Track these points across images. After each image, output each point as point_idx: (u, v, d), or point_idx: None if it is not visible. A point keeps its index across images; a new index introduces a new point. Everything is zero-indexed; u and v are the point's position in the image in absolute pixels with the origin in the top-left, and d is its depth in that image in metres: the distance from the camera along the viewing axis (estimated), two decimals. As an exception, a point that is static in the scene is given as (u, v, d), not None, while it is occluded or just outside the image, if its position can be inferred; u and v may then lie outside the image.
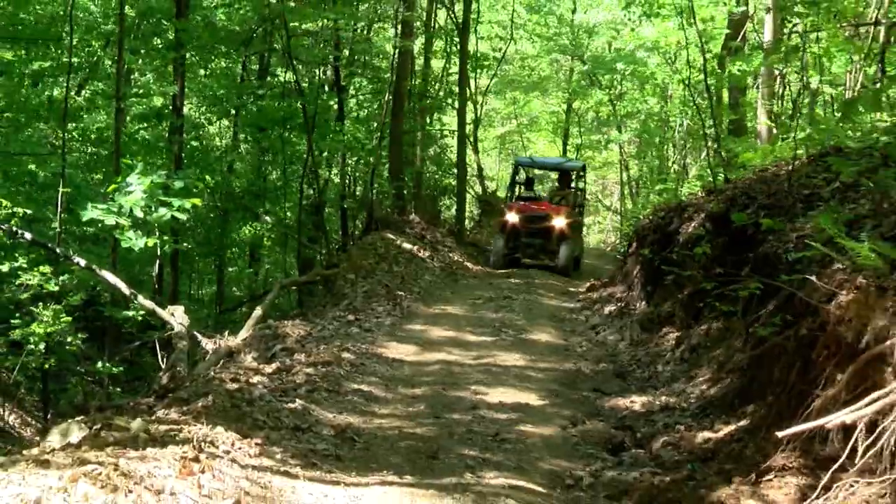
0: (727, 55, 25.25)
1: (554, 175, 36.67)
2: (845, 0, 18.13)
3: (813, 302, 9.46)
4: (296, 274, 26.66)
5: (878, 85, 12.65)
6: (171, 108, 24.63)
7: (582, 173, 32.22)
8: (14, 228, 17.22)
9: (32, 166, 19.72)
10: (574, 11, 38.39)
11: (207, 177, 22.76)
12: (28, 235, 17.55)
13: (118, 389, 17.92)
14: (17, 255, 17.26)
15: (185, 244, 23.26)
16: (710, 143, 25.18)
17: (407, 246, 25.58)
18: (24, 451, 9.20)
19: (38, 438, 13.28)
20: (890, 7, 13.84)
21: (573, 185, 30.47)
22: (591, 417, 12.21)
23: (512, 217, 25.89)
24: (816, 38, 20.33)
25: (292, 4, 24.95)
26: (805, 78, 22.65)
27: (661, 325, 16.45)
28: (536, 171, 35.08)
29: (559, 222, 25.70)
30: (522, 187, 30.84)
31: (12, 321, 17.05)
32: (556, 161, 34.51)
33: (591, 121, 41.09)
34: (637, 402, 13.03)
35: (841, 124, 13.32)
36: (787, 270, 10.38)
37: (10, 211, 16.91)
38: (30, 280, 16.84)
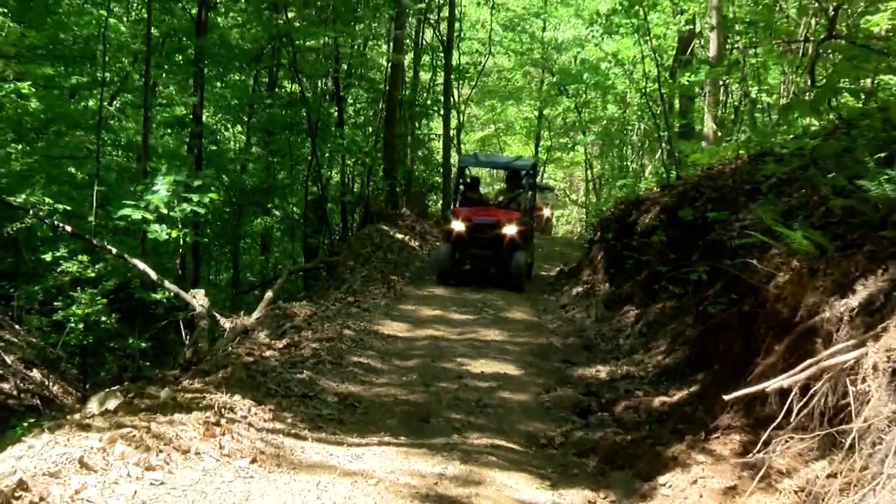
0: (678, 67, 25.32)
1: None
2: (778, 20, 18.21)
3: (753, 283, 9.57)
4: (302, 261, 26.60)
5: (807, 94, 12.69)
6: (191, 116, 24.61)
7: (532, 172, 25.69)
8: (56, 223, 17.28)
9: (71, 169, 19.68)
10: (544, 29, 38.36)
11: (223, 176, 22.76)
12: (68, 228, 17.59)
13: (147, 363, 17.92)
14: (59, 245, 17.34)
15: (204, 236, 23.22)
16: (663, 145, 25.36)
17: (399, 236, 25.59)
18: (68, 417, 9.26)
19: (78, 406, 13.30)
20: (816, 26, 13.90)
21: (524, 185, 24.13)
22: (562, 385, 12.31)
23: (458, 225, 20.46)
24: (754, 53, 20.51)
25: (297, 24, 24.92)
26: (745, 88, 22.73)
27: (622, 304, 16.53)
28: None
29: (510, 230, 20.25)
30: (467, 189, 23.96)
31: (55, 303, 17.14)
32: (504, 159, 28.63)
33: (560, 126, 41.06)
34: (602, 371, 13.13)
35: (776, 128, 13.42)
36: (731, 255, 10.46)
37: (52, 207, 16.98)
38: (70, 267, 16.91)
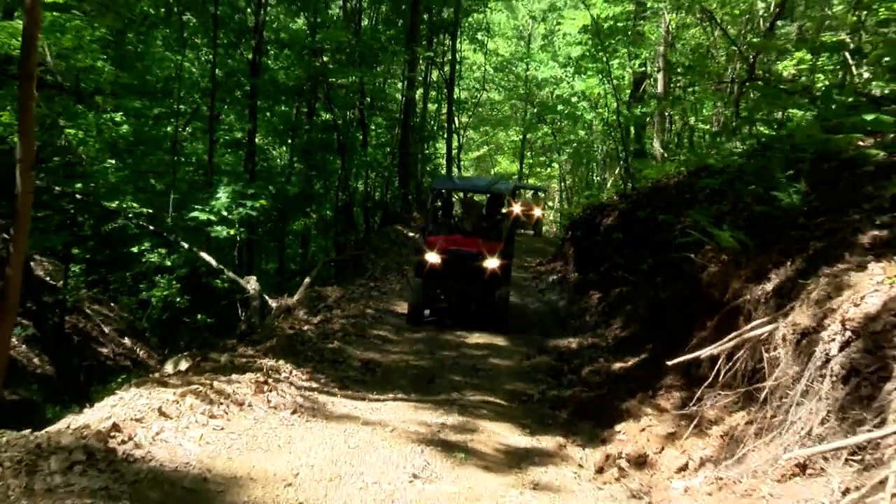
0: (632, 101, 25.27)
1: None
2: (710, 65, 18.23)
3: (691, 272, 9.57)
4: (333, 254, 26.60)
5: (733, 123, 12.71)
6: (246, 139, 24.66)
7: (513, 196, 18.11)
8: (141, 223, 17.35)
9: (153, 181, 19.73)
10: (527, 70, 38.27)
11: (271, 186, 22.72)
12: (150, 227, 17.66)
13: (211, 334, 17.95)
14: (143, 241, 17.40)
15: (256, 234, 23.26)
16: (621, 163, 25.42)
17: (411, 235, 25.52)
18: (150, 376, 9.28)
19: (158, 367, 13.33)
20: (740, 70, 13.93)
21: (504, 213, 16.61)
22: (540, 353, 12.30)
23: (433, 257, 14.23)
24: (692, 91, 20.47)
25: (331, 66, 24.92)
26: (685, 118, 22.75)
27: (588, 289, 16.46)
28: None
29: (493, 263, 14.11)
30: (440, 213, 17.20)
31: (141, 286, 17.22)
32: (483, 183, 20.02)
33: (539, 147, 40.98)
34: (572, 342, 13.11)
35: (710, 150, 13.42)
36: (674, 250, 10.40)
37: (138, 211, 17.03)
38: (151, 258, 16.99)
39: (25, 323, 14.27)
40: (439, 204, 17.09)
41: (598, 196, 27.64)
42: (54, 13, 12.13)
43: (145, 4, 20.84)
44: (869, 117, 8.50)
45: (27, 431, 5.76)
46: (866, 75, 13.49)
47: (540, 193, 36.11)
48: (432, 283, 14.44)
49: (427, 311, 14.95)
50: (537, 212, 32.59)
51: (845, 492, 4.47)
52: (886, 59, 12.11)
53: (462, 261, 14.32)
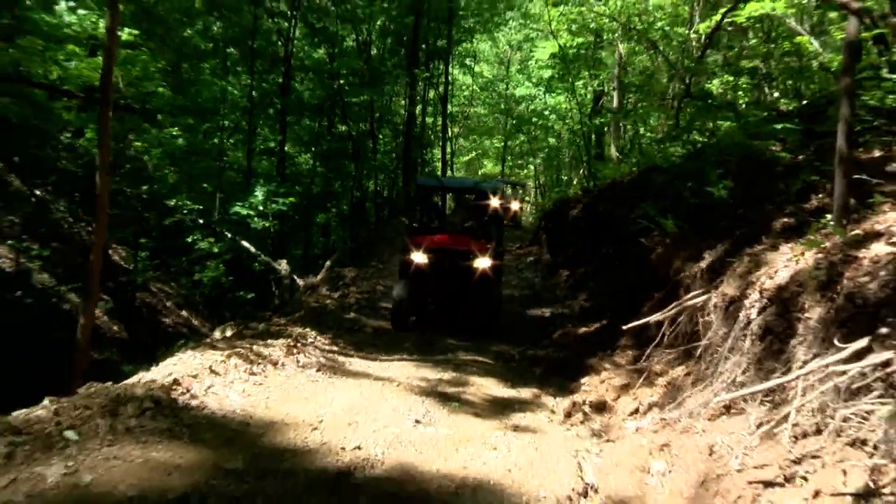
0: (593, 114, 25.30)
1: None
2: (655, 84, 18.31)
3: (642, 254, 9.63)
4: (349, 242, 26.58)
5: (674, 132, 12.75)
6: (278, 148, 24.68)
7: (499, 196, 13.11)
8: (194, 217, 17.40)
9: (203, 183, 19.72)
10: (507, 88, 38.08)
11: (298, 187, 22.69)
12: (201, 221, 17.71)
13: (251, 307, 17.98)
14: (196, 232, 17.44)
15: (286, 225, 23.26)
16: (584, 164, 25.38)
17: (414, 226, 25.41)
18: (203, 341, 9.32)
19: (209, 334, 13.35)
20: (679, 89, 14.04)
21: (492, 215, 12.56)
22: (520, 321, 12.32)
23: (419, 257, 11.29)
24: (641, 105, 20.51)
25: (346, 88, 24.90)
26: (636, 127, 22.77)
27: (558, 269, 16.50)
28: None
29: (484, 263, 11.11)
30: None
31: (195, 269, 17.26)
32: (471, 182, 16.79)
33: (518, 151, 40.79)
34: (546, 311, 13.13)
35: (656, 154, 13.47)
36: (628, 236, 10.46)
37: (192, 207, 17.09)
38: (202, 246, 17.00)
39: (106, 298, 14.30)
40: (424, 202, 13.81)
41: (566, 192, 27.57)
42: (127, 50, 12.18)
43: (197, 41, 20.82)
44: (779, 127, 8.68)
45: (109, 384, 5.87)
46: (776, 94, 14.00)
47: (520, 189, 35.92)
48: (418, 285, 11.39)
49: (412, 318, 11.86)
50: (515, 205, 32.06)
51: (759, 425, 4.55)
52: (789, 81, 13.21)
53: (451, 260, 11.31)
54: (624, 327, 7.73)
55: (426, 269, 11.28)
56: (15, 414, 4.84)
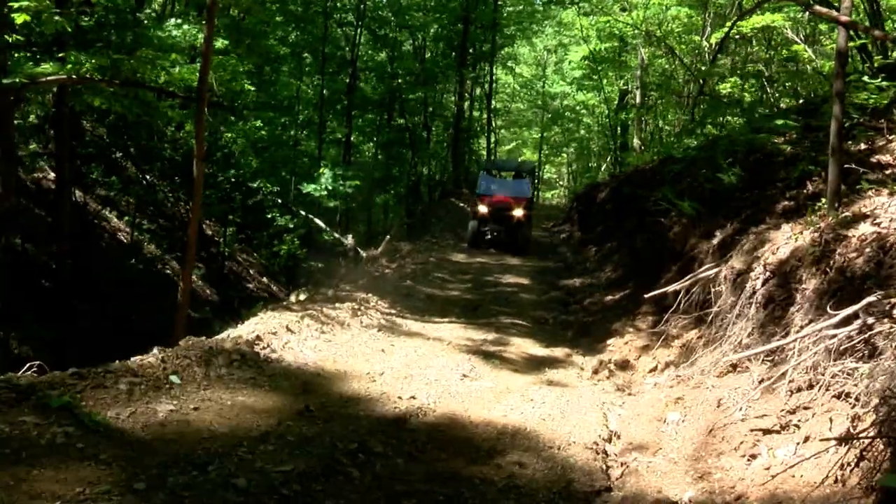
0: (619, 109, 24.99)
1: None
2: (673, 84, 18.14)
3: (661, 231, 9.55)
4: (406, 219, 26.69)
5: (690, 126, 12.60)
6: (345, 138, 24.88)
7: (536, 172, 22.32)
8: (274, 198, 17.65)
9: (281, 170, 19.96)
10: (543, 86, 37.56)
11: (361, 172, 22.80)
12: (279, 201, 17.95)
13: (321, 275, 18.21)
14: (274, 210, 17.67)
15: (352, 204, 23.45)
16: (611, 153, 25.08)
17: (461, 205, 25.35)
18: (281, 304, 9.49)
19: (285, 298, 13.55)
20: (693, 88, 13.96)
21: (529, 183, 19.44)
22: (553, 289, 12.15)
23: (482, 208, 16.66)
24: (661, 102, 20.23)
25: (404, 86, 24.95)
26: (656, 121, 22.40)
27: (587, 244, 16.25)
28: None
29: (518, 212, 16.53)
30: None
31: (274, 242, 17.52)
32: (514, 163, 22.83)
33: (553, 142, 40.26)
34: (577, 282, 12.90)
35: (674, 144, 13.30)
36: (649, 216, 10.32)
37: (272, 189, 17.32)
38: (280, 222, 17.25)
39: (200, 266, 14.64)
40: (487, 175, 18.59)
41: (595, 177, 27.32)
42: (219, 56, 12.53)
43: (277, 48, 21.02)
44: (780, 122, 8.71)
45: (203, 338, 6.04)
46: (777, 94, 14.05)
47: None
48: (482, 223, 16.52)
49: (477, 241, 16.65)
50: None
51: (761, 381, 4.60)
52: (788, 83, 13.56)
53: (499, 210, 16.36)
54: (645, 296, 7.66)
55: (486, 215, 16.37)
56: (132, 360, 5.04)
